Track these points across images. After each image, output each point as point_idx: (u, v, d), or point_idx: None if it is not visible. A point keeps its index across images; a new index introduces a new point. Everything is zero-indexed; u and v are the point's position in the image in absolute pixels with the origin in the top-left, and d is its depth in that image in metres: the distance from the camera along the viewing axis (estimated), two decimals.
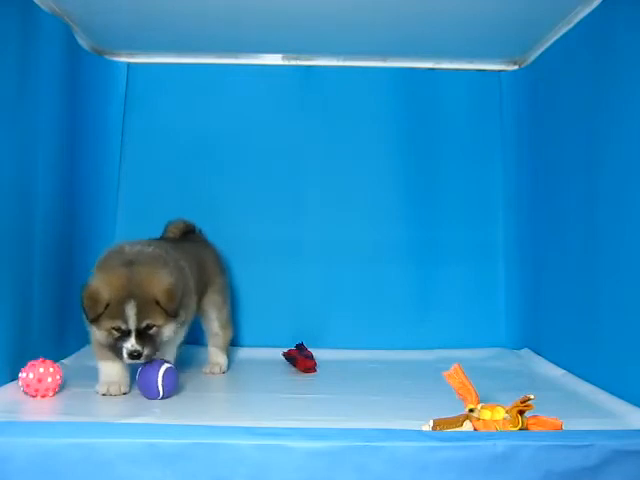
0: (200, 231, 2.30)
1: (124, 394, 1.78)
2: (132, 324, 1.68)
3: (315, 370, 2.16)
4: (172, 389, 1.73)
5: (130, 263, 1.73)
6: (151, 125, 2.59)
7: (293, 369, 2.19)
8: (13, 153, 1.84)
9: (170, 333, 1.75)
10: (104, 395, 1.76)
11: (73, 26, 2.25)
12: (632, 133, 1.72)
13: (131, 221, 2.54)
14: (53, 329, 2.10)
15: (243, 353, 2.37)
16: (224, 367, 2.14)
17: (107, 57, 2.55)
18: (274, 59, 2.60)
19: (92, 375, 1.82)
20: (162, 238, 2.14)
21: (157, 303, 1.70)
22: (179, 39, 2.42)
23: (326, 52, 2.56)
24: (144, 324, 1.69)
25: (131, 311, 1.67)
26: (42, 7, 2.00)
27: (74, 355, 2.18)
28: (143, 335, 1.69)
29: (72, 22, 2.23)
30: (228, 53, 2.56)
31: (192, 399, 1.76)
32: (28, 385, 1.69)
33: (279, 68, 2.59)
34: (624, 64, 1.77)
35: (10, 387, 1.74)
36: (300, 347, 2.28)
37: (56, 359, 2.06)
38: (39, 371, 1.69)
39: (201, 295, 2.09)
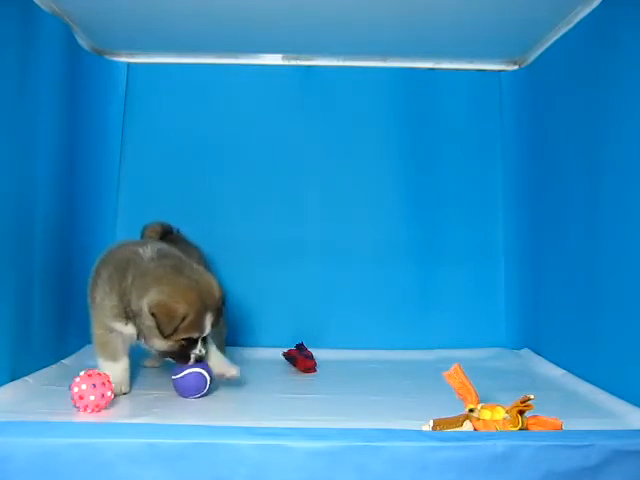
0: (178, 231, 2.26)
1: (124, 394, 1.78)
2: (206, 332, 1.74)
3: (315, 370, 2.16)
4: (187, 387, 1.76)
5: (179, 270, 1.74)
6: (151, 125, 2.59)
7: (293, 369, 2.18)
8: (13, 153, 1.84)
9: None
10: None
11: (73, 26, 2.25)
12: (632, 133, 1.72)
13: (131, 221, 2.52)
14: (53, 329, 2.10)
15: (243, 353, 2.37)
16: None
17: (107, 57, 2.55)
18: (274, 59, 2.60)
19: None
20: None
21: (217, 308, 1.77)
22: (179, 39, 2.42)
23: (326, 52, 2.56)
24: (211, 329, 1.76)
25: (208, 321, 1.73)
26: (42, 7, 2.00)
27: (75, 355, 2.18)
28: (204, 337, 1.76)
29: (72, 22, 2.23)
30: (228, 53, 2.56)
31: (192, 399, 1.75)
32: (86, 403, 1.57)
33: (279, 68, 2.59)
34: (624, 64, 1.77)
35: (10, 387, 1.73)
36: (300, 347, 2.28)
37: (56, 359, 2.08)
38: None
39: None
